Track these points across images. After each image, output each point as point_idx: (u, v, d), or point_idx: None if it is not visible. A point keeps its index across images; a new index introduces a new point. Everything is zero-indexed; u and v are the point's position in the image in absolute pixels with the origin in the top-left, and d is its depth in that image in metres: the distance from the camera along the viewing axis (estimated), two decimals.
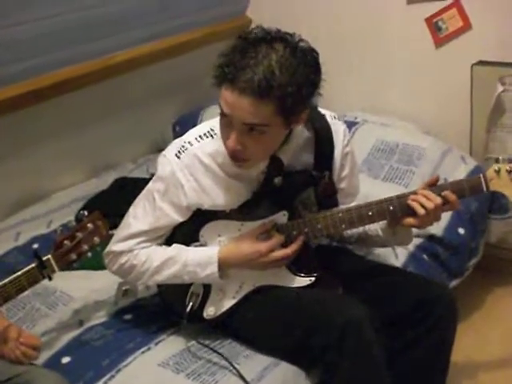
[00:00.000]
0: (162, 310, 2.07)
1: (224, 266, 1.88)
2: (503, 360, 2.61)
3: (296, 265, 1.94)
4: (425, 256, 2.50)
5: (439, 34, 3.02)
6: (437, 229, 2.51)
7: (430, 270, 2.47)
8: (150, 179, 1.96)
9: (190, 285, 1.93)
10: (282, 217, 1.89)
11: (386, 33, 3.14)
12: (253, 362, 1.89)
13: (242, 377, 1.82)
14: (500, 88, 2.85)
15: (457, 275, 2.59)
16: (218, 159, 1.86)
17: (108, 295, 2.19)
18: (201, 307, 1.94)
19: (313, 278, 1.93)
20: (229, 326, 1.97)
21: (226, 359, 1.87)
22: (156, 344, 1.99)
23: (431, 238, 2.55)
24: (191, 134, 1.91)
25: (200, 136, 1.89)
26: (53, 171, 2.95)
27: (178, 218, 1.90)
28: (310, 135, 1.92)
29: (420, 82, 3.14)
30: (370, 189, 2.38)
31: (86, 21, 2.85)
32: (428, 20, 3.02)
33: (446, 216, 2.51)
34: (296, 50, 1.68)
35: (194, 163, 1.87)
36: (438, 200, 1.81)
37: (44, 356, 1.93)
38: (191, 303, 1.92)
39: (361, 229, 1.99)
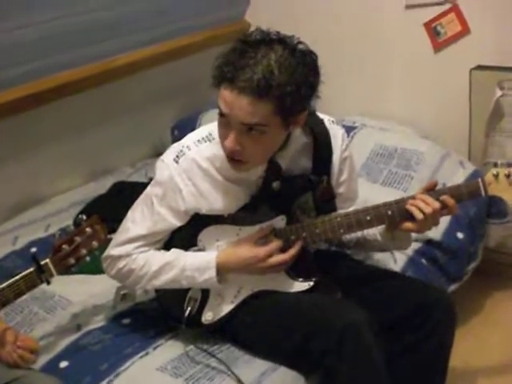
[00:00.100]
0: (161, 315, 2.07)
1: (222, 270, 1.88)
2: (502, 364, 2.61)
3: (294, 270, 1.94)
4: (423, 260, 2.50)
5: (438, 39, 3.03)
6: (435, 233, 2.51)
7: (429, 274, 2.47)
8: (149, 183, 1.96)
9: (188, 289, 1.92)
10: (280, 221, 1.89)
11: (385, 37, 3.14)
12: (251, 367, 1.89)
13: (240, 381, 1.82)
14: (499, 92, 2.85)
15: (455, 279, 2.59)
16: (216, 163, 1.86)
17: (106, 299, 2.19)
18: (199, 312, 1.94)
19: (311, 283, 1.93)
20: (227, 331, 1.97)
21: (225, 364, 1.87)
22: (154, 349, 1.98)
23: (430, 242, 2.55)
24: (189, 139, 1.91)
25: (198, 140, 1.89)
26: (51, 175, 2.95)
27: (176, 222, 1.90)
28: (308, 140, 1.92)
29: (419, 87, 3.14)
30: (369, 193, 2.38)
31: (86, 25, 2.85)
32: (427, 25, 3.02)
33: (444, 220, 2.51)
34: (295, 51, 1.69)
35: (192, 168, 1.87)
36: (437, 205, 1.81)
37: (42, 360, 1.93)
38: (189, 308, 1.91)
39: (359, 233, 1.99)
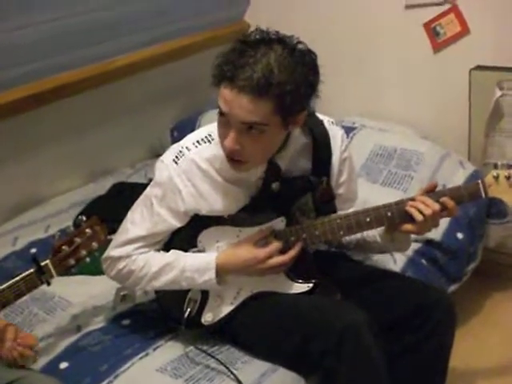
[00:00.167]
0: (160, 316, 2.07)
1: (222, 272, 1.88)
2: (502, 365, 2.61)
3: (294, 271, 1.94)
4: (423, 261, 2.50)
5: (437, 39, 3.03)
6: (435, 234, 2.51)
7: (429, 274, 2.47)
8: (148, 184, 1.96)
9: (187, 291, 1.92)
10: (279, 223, 1.89)
11: (384, 38, 3.15)
12: (251, 368, 1.89)
13: (239, 382, 1.82)
14: (498, 93, 2.85)
15: (455, 280, 2.59)
16: (215, 164, 1.86)
17: (106, 300, 2.19)
18: (199, 313, 1.94)
19: (311, 285, 1.93)
20: (227, 332, 1.97)
21: (224, 365, 1.86)
22: (154, 349, 1.98)
23: (430, 242, 2.55)
24: (189, 140, 1.91)
25: (198, 141, 1.89)
26: (51, 176, 2.95)
27: (175, 223, 1.90)
28: (307, 140, 1.92)
29: (418, 87, 3.14)
30: (369, 194, 2.38)
31: (85, 25, 2.85)
32: (426, 25, 3.02)
33: (444, 221, 2.50)
34: (294, 50, 1.69)
35: (191, 168, 1.87)
36: (436, 206, 1.81)
37: (42, 361, 1.93)
38: (189, 309, 1.91)
39: (359, 235, 1.99)
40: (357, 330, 1.74)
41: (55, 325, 2.12)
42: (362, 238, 2.01)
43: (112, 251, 1.96)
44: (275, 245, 1.86)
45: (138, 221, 1.92)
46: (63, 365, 1.94)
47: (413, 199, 1.84)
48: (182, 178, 1.86)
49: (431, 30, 3.02)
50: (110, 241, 1.98)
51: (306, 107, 1.77)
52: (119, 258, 1.94)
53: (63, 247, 1.88)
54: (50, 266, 1.85)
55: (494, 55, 2.89)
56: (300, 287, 1.93)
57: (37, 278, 1.84)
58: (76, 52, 2.84)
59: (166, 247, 1.95)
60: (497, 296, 3.00)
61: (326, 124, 1.95)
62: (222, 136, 1.76)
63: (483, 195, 1.83)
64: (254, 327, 1.92)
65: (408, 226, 1.84)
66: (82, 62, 2.87)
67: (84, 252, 1.92)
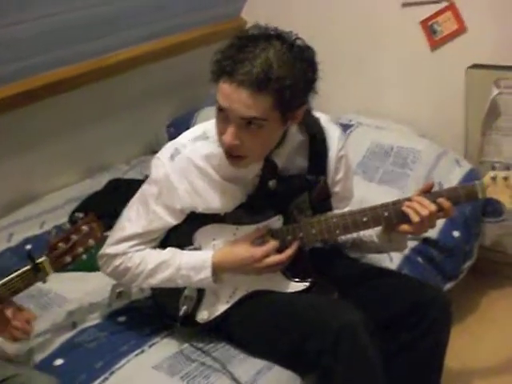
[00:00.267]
0: (156, 313, 2.07)
1: (218, 270, 1.87)
2: (497, 363, 2.62)
3: (291, 270, 1.93)
4: (419, 259, 2.50)
5: (434, 37, 3.03)
6: (431, 232, 2.47)
7: (425, 272, 2.47)
8: (144, 181, 1.96)
9: (183, 288, 1.91)
10: (276, 221, 1.88)
11: (381, 35, 3.14)
12: (246, 365, 1.88)
13: (235, 380, 1.82)
14: (495, 91, 2.85)
15: (451, 278, 2.59)
16: (212, 162, 1.86)
17: (102, 297, 2.18)
18: (194, 311, 1.94)
19: (307, 284, 1.93)
20: (222, 330, 1.97)
21: (220, 362, 1.86)
22: (150, 346, 1.98)
23: (426, 240, 2.55)
24: (185, 137, 1.91)
25: (194, 138, 1.89)
26: (46, 172, 2.95)
27: (171, 220, 1.90)
28: (304, 138, 1.91)
29: (415, 85, 3.14)
30: (365, 192, 2.38)
31: (84, 20, 2.83)
32: (423, 23, 3.02)
33: (440, 219, 2.51)
34: (293, 46, 1.70)
35: (187, 166, 1.86)
36: (433, 207, 1.81)
37: (37, 358, 1.94)
38: (185, 306, 1.90)
39: (355, 235, 1.99)
40: (353, 329, 1.73)
41: (51, 321, 2.11)
42: (359, 238, 2.01)
43: (108, 248, 1.95)
44: (272, 244, 1.86)
45: (134, 218, 1.92)
46: (58, 361, 1.94)
47: (409, 199, 1.84)
48: (178, 176, 1.86)
49: (428, 27, 3.02)
50: (106, 237, 1.98)
51: (305, 103, 1.77)
52: (115, 256, 1.93)
53: (59, 244, 1.88)
54: (47, 263, 1.85)
55: (490, 53, 2.89)
56: (297, 286, 1.93)
57: (33, 275, 1.83)
58: (75, 47, 2.83)
59: (163, 244, 1.95)
60: (493, 294, 3.00)
61: (323, 122, 1.95)
62: (221, 131, 1.76)
63: (480, 196, 1.83)
64: (250, 326, 1.92)
65: (405, 227, 1.84)
66: (81, 56, 2.86)
67: (81, 249, 1.92)
